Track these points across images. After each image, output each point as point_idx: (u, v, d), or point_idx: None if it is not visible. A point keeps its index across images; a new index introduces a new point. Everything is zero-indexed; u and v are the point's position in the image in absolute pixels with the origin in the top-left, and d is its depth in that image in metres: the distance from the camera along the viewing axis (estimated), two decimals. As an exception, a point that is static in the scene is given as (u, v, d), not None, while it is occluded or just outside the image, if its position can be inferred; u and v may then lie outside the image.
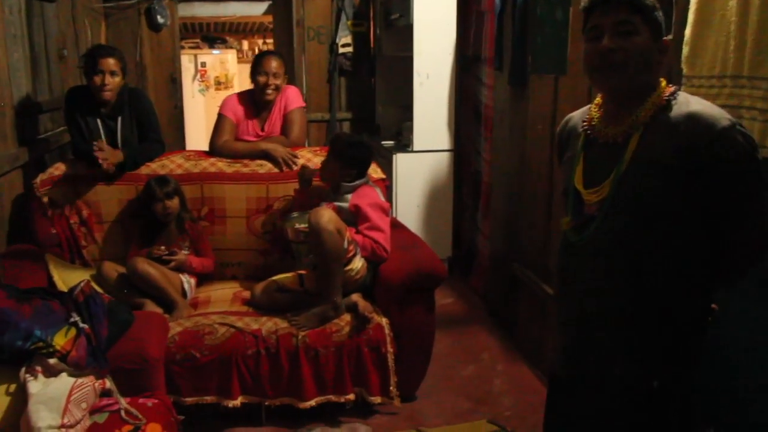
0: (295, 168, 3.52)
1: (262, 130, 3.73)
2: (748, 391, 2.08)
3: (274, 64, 3.64)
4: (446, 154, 4.78)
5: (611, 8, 1.57)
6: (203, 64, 9.31)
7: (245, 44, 10.80)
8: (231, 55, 9.65)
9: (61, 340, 2.16)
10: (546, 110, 3.34)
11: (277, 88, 3.67)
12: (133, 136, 3.47)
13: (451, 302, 4.45)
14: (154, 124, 3.54)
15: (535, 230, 3.51)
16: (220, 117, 3.73)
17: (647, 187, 1.56)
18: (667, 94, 1.60)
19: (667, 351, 1.63)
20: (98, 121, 3.39)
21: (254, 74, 3.67)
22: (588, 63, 1.63)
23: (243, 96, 3.82)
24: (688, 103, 1.58)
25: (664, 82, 1.64)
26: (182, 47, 8.46)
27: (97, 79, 3.28)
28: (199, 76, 9.24)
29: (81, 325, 2.24)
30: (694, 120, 1.53)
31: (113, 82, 3.31)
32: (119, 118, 3.41)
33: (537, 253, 3.48)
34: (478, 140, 4.61)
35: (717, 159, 1.50)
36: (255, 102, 3.74)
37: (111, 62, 3.29)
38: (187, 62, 8.82)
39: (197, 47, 9.65)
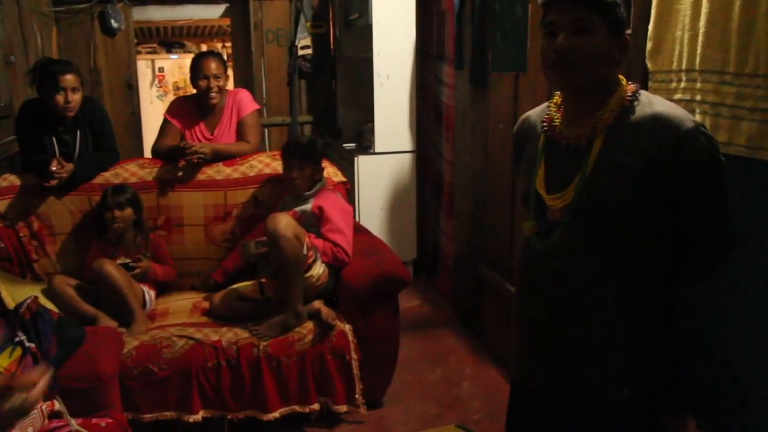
0: (193, 158, 3.38)
1: (211, 134, 3.62)
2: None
3: (213, 65, 3.52)
4: (408, 156, 4.73)
5: (568, 5, 1.51)
6: (161, 69, 9.14)
7: (204, 48, 10.63)
8: (189, 60, 9.48)
9: (5, 361, 2.05)
10: (507, 108, 3.31)
11: (221, 90, 3.56)
12: (88, 147, 3.35)
13: (417, 305, 4.40)
14: (108, 133, 3.43)
15: (500, 231, 3.48)
16: (164, 121, 3.65)
17: (613, 191, 1.52)
18: (629, 94, 1.56)
19: (636, 359, 1.59)
20: (53, 138, 3.26)
21: (194, 78, 3.55)
22: (544, 60, 1.58)
23: (189, 99, 3.73)
24: (651, 103, 1.54)
25: (624, 80, 1.59)
26: (139, 52, 8.32)
27: (60, 99, 3.14)
28: (157, 81, 9.08)
29: (27, 344, 2.13)
30: (658, 121, 1.50)
31: (75, 99, 3.19)
32: (77, 132, 3.29)
33: (502, 254, 3.45)
34: (439, 140, 4.57)
35: (682, 161, 1.47)
36: (201, 105, 3.63)
37: (71, 79, 3.16)
38: (144, 68, 8.65)
39: (154, 52, 9.48)
